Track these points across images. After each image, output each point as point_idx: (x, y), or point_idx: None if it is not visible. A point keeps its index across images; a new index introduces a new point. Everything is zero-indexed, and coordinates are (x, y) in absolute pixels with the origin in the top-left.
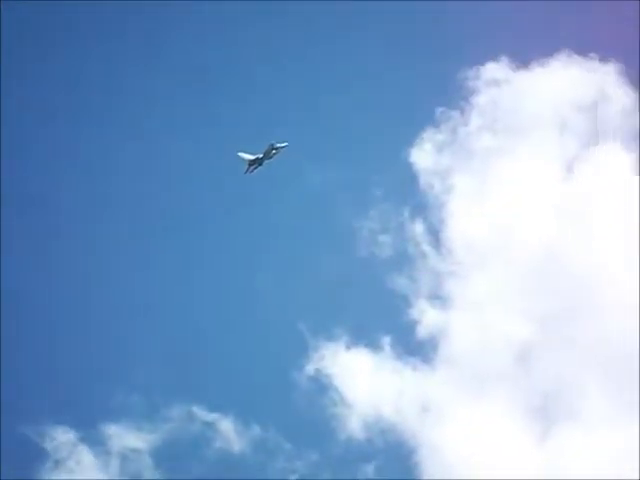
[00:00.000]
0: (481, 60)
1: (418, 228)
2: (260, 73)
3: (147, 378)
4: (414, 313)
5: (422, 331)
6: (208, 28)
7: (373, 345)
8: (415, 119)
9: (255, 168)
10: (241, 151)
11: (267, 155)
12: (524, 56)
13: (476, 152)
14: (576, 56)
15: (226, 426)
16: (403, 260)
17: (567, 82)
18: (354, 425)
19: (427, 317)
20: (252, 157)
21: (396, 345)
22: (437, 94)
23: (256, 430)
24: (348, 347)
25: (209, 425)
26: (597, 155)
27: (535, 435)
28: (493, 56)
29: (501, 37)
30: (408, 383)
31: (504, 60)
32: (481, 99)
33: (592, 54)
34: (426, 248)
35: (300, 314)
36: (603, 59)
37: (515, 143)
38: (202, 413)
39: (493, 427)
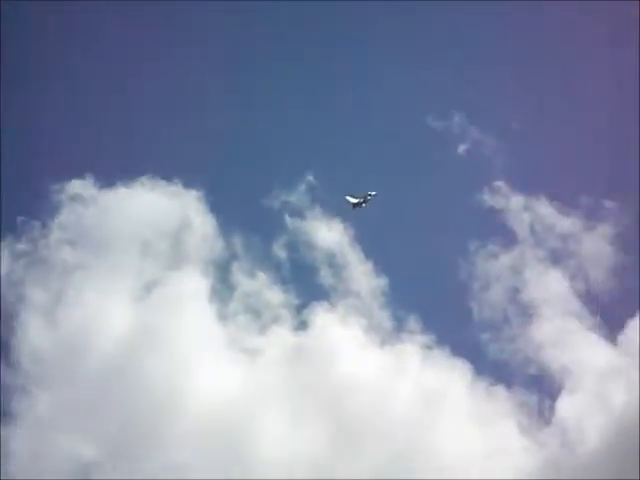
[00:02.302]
0: (66, 176)
1: None
2: None
3: None
4: None
5: None
6: None
7: None
8: None
9: (355, 208)
10: None
11: (365, 200)
12: (109, 176)
13: (54, 265)
14: (162, 181)
15: None
16: None
17: (151, 205)
18: None
19: None
20: (355, 201)
21: None
22: (20, 203)
23: None
24: None
25: None
26: (175, 278)
27: None
28: (78, 173)
29: (88, 156)
30: None
31: (90, 178)
32: (63, 213)
33: (176, 180)
34: None
35: None
36: (187, 185)
37: (95, 260)
38: None
39: None
